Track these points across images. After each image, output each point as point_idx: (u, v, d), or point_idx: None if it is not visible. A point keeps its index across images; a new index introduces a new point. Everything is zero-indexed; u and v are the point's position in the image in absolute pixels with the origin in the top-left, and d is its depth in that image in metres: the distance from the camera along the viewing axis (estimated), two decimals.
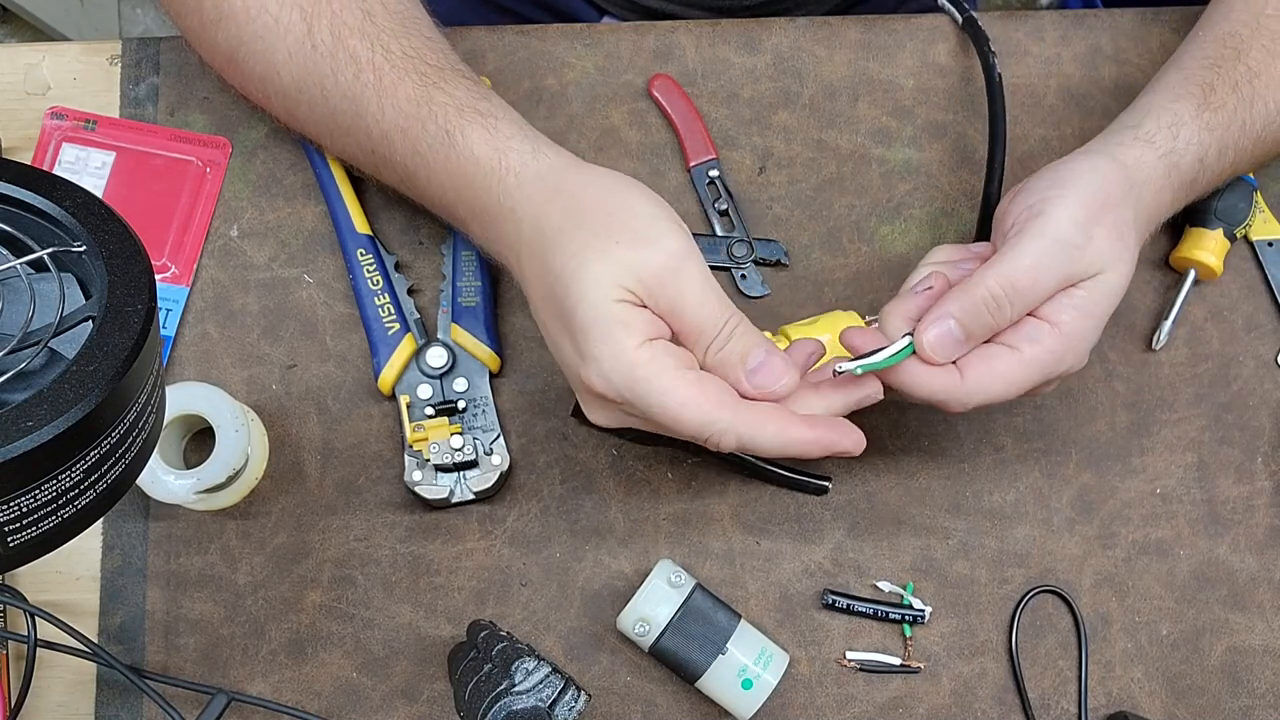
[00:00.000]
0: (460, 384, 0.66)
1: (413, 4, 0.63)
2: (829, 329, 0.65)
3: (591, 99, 0.72)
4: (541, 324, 0.57)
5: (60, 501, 0.39)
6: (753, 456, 0.66)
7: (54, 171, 0.69)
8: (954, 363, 0.57)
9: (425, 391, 0.66)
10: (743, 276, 0.70)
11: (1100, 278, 0.56)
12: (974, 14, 0.72)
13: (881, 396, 0.57)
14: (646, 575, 0.63)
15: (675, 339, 0.54)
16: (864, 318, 0.60)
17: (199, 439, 0.67)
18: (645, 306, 0.53)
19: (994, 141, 0.67)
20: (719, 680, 0.61)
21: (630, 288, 0.52)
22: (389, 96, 0.59)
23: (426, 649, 0.65)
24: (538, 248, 0.55)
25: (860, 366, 0.55)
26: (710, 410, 0.52)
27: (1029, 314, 0.56)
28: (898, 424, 0.68)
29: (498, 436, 0.66)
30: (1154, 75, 0.65)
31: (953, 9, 0.72)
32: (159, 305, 0.62)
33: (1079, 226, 0.55)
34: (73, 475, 0.39)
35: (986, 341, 0.57)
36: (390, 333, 0.66)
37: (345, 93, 0.59)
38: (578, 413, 0.66)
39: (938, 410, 0.67)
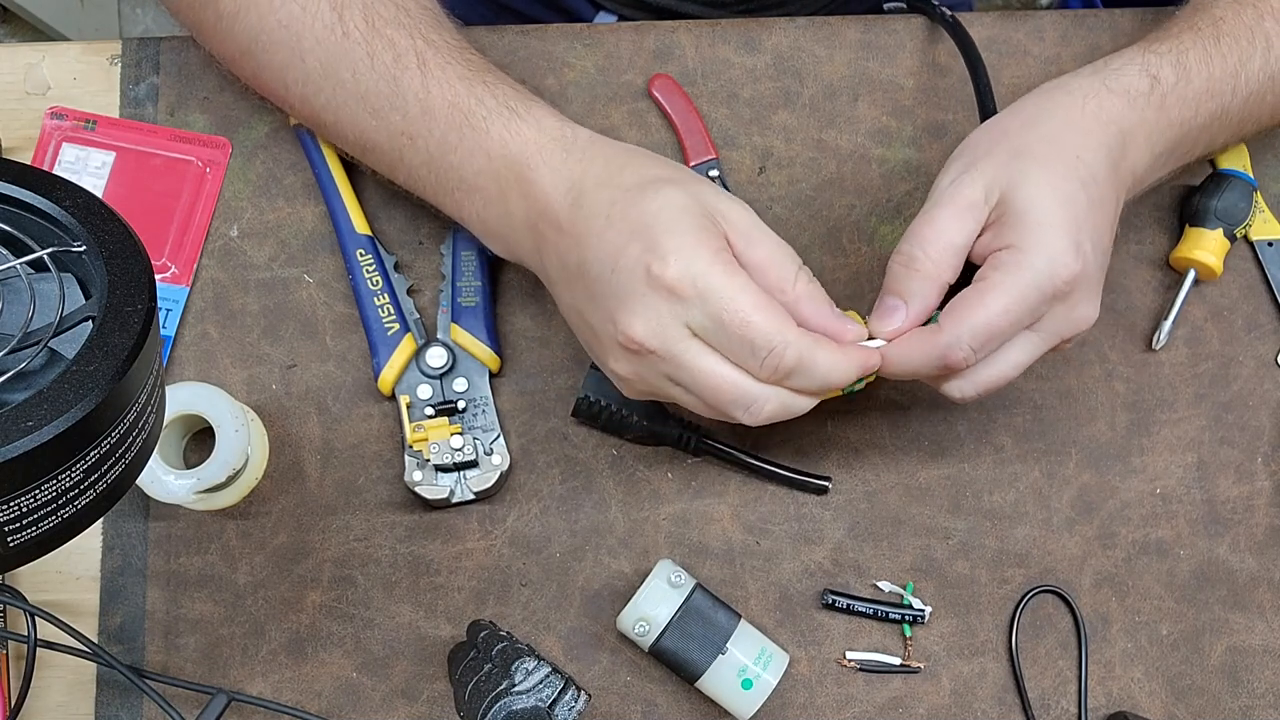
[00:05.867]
0: (460, 384, 0.66)
1: (439, 6, 0.64)
2: None
3: (591, 99, 0.72)
4: (592, 263, 0.55)
5: (60, 501, 0.39)
6: (750, 455, 0.66)
7: (54, 171, 0.69)
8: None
9: (425, 391, 0.66)
10: None
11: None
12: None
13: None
14: (646, 575, 0.63)
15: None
16: (863, 318, 0.60)
17: (199, 439, 0.67)
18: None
19: (977, 81, 0.66)
20: (719, 680, 0.61)
21: (711, 216, 0.54)
22: (435, 76, 0.59)
23: (426, 649, 0.65)
24: (606, 178, 0.56)
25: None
26: (780, 320, 0.52)
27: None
28: (898, 424, 0.68)
29: (498, 436, 0.66)
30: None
31: (899, 2, 0.72)
32: (159, 305, 0.62)
33: (1059, 261, 0.54)
34: (73, 475, 0.39)
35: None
36: (390, 333, 0.66)
37: (383, 73, 0.60)
38: (578, 412, 0.66)
39: (942, 406, 0.67)
